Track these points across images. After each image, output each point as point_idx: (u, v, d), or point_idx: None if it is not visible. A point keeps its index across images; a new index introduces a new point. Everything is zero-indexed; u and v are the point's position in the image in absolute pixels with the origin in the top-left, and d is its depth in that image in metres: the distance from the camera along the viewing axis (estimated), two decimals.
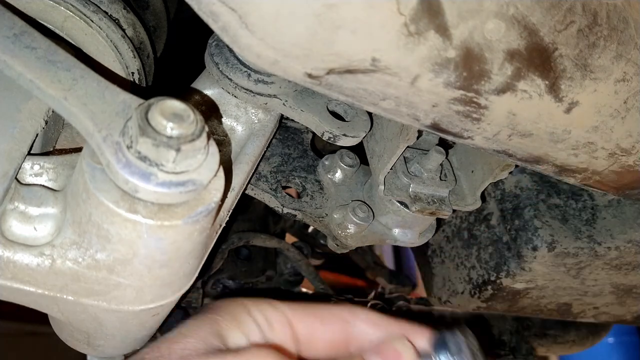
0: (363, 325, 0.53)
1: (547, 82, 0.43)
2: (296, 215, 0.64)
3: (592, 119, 0.46)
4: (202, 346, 0.43)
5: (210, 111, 0.56)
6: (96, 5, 0.51)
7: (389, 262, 1.88)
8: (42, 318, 0.51)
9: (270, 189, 0.63)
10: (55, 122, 0.50)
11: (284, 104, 0.56)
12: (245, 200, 0.67)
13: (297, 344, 0.49)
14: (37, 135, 0.46)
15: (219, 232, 0.50)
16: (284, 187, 0.65)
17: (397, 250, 1.86)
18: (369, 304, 0.94)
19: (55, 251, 0.41)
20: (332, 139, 0.57)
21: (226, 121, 0.57)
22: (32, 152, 0.46)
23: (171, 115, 0.37)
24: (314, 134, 0.69)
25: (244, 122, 0.57)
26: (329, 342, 0.51)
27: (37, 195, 0.43)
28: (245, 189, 0.59)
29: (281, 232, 1.07)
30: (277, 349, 0.46)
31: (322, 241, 1.06)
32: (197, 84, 0.56)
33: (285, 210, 0.64)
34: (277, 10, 0.36)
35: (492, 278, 0.75)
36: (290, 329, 0.49)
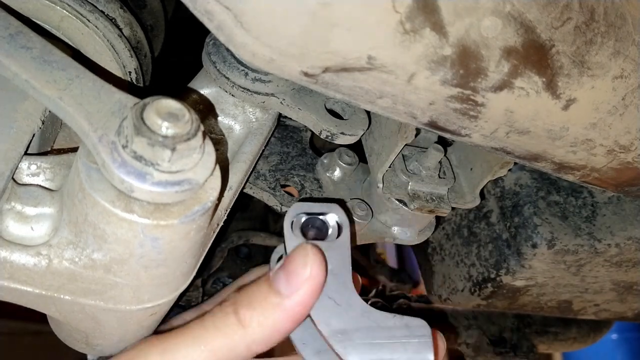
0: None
1: (544, 79, 0.42)
2: None
3: (590, 116, 0.46)
4: None
5: (207, 110, 0.55)
6: (92, 4, 0.51)
7: (392, 260, 1.88)
8: (45, 317, 0.51)
9: (269, 188, 0.63)
10: (52, 122, 0.50)
11: (281, 102, 0.56)
12: (244, 199, 0.67)
13: None
14: (33, 135, 0.46)
15: (217, 230, 0.50)
16: (283, 186, 0.65)
17: (400, 248, 1.86)
18: (369, 302, 0.94)
19: (52, 251, 0.41)
20: (330, 137, 0.57)
21: (224, 120, 0.57)
22: (29, 152, 0.46)
23: (166, 115, 0.37)
24: (312, 132, 0.68)
25: (242, 120, 0.57)
26: None
27: (34, 195, 0.43)
28: (244, 187, 0.59)
29: (281, 230, 1.07)
30: None
31: None
32: (195, 83, 0.56)
33: (284, 209, 0.63)
34: (272, 8, 0.36)
35: (492, 275, 0.74)
36: None
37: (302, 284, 0.45)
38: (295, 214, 0.52)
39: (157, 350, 0.46)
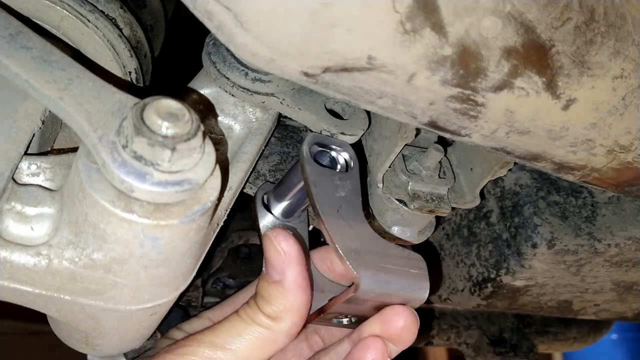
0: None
1: (544, 79, 0.42)
2: None
3: (590, 116, 0.46)
4: None
5: (207, 110, 0.55)
6: (92, 4, 0.51)
7: None
8: (45, 317, 0.51)
9: None
10: (52, 122, 0.50)
11: (281, 102, 0.56)
12: (244, 199, 0.67)
13: None
14: (34, 135, 0.46)
15: (217, 230, 0.50)
16: None
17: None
18: None
19: (52, 251, 0.41)
20: None
21: (224, 120, 0.57)
22: (29, 152, 0.46)
23: (166, 115, 0.37)
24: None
25: (242, 120, 0.57)
26: None
27: (34, 195, 0.43)
28: (244, 187, 0.59)
29: None
30: None
31: (322, 239, 1.06)
32: (195, 83, 0.56)
33: None
34: (272, 8, 0.36)
35: (492, 276, 0.74)
36: None
37: (284, 263, 0.50)
38: (311, 142, 0.55)
39: (205, 344, 0.50)
